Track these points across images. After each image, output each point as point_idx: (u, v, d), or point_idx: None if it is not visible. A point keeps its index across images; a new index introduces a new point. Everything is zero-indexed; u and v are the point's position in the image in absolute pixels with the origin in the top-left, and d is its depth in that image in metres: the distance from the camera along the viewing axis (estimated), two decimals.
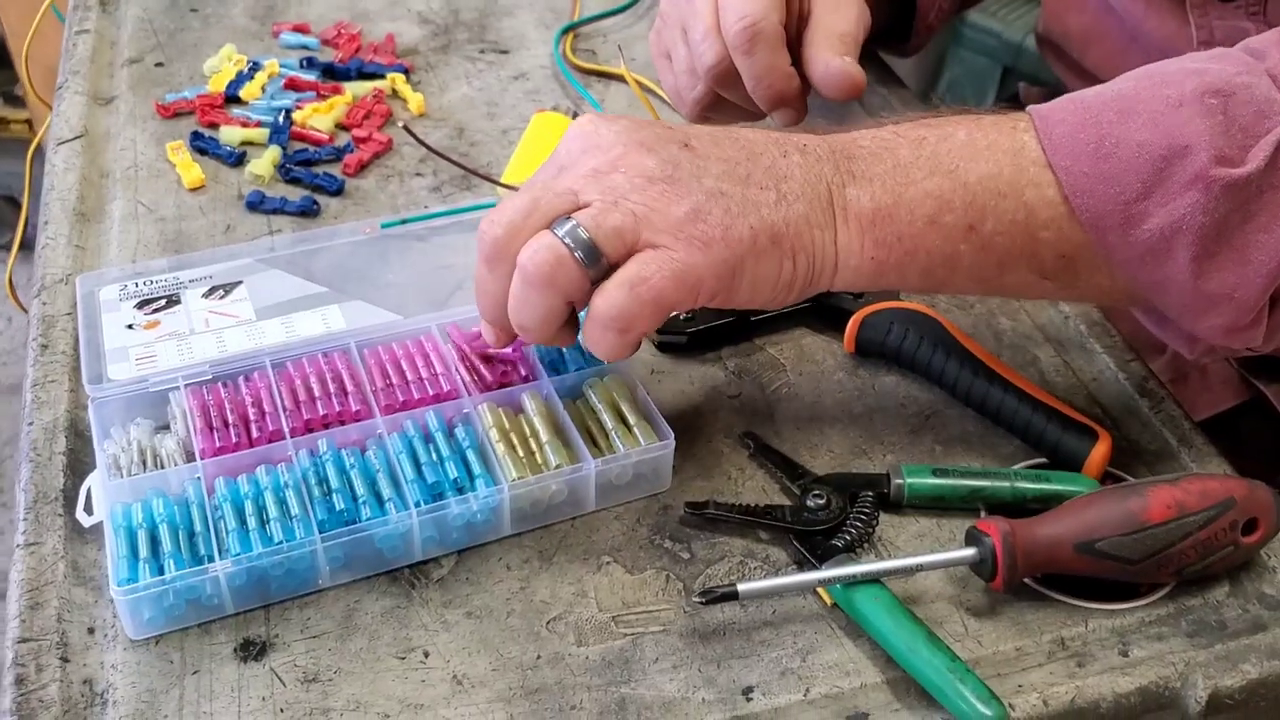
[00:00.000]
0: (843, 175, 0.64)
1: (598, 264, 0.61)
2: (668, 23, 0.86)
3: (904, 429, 0.76)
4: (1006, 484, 0.69)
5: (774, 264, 0.63)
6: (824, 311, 0.81)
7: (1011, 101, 1.29)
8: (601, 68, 1.07)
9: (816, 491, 0.70)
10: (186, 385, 0.73)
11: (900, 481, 0.70)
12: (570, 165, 0.65)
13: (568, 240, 0.61)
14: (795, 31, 0.82)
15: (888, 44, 1.04)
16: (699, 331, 0.80)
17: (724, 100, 0.85)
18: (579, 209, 0.62)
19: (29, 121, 2.46)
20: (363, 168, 0.96)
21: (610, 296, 0.61)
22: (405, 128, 0.89)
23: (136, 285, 0.83)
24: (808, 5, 0.82)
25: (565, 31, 1.12)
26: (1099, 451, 0.70)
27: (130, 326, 0.80)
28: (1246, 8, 0.79)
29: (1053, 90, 1.19)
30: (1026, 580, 0.66)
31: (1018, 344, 0.82)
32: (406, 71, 1.07)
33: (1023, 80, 2.30)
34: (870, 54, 1.09)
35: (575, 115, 0.99)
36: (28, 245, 1.60)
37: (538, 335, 0.64)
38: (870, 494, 0.70)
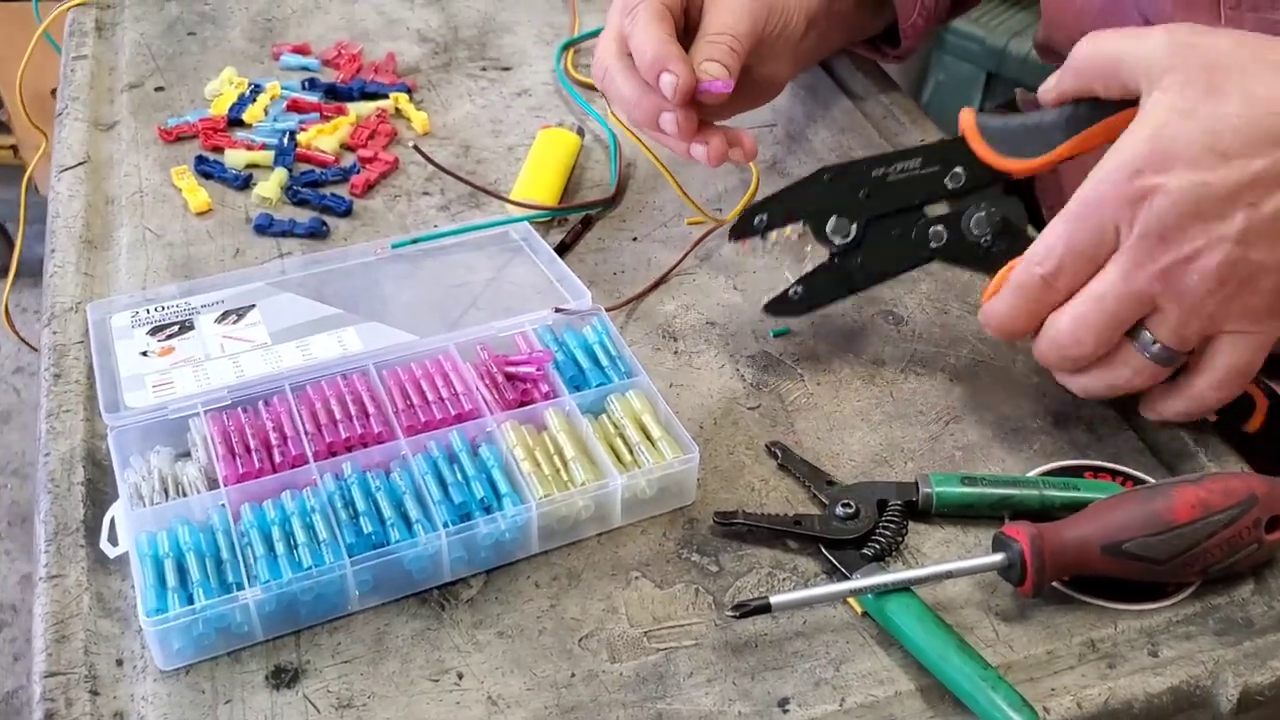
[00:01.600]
0: None
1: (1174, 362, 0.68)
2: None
3: (923, 435, 0.76)
4: (1035, 492, 0.69)
5: None
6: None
7: (1006, 107, 1.30)
8: None
9: (845, 501, 0.70)
10: (206, 411, 0.73)
11: (929, 490, 0.70)
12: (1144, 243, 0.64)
13: (1150, 356, 0.68)
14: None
15: (880, 51, 1.04)
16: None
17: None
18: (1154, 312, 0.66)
19: (14, 148, 2.46)
20: (370, 188, 0.96)
21: (1218, 392, 0.69)
22: (415, 147, 0.89)
23: (148, 312, 0.83)
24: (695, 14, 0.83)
25: (566, 47, 1.12)
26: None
27: (145, 353, 0.79)
28: None
29: None
30: (1055, 584, 0.66)
31: (1028, 347, 0.82)
32: (409, 91, 1.07)
33: (1007, 87, 2.33)
34: (870, 64, 1.10)
35: (581, 131, 0.99)
36: (23, 272, 1.60)
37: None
38: (899, 503, 0.70)
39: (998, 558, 0.64)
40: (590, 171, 0.98)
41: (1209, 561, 0.64)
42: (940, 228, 0.75)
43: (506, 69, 1.11)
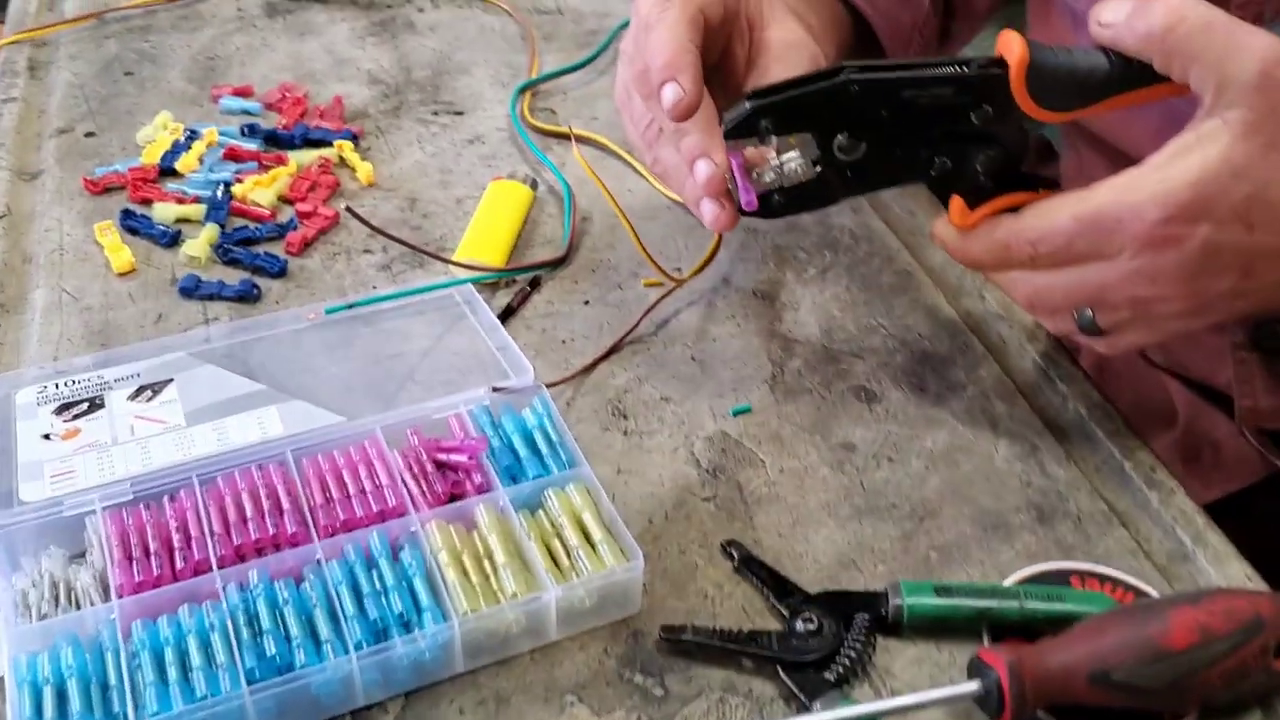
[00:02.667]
0: None
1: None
2: (627, 41, 0.77)
3: (896, 533, 0.69)
4: (1015, 604, 0.63)
5: None
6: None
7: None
8: (560, 129, 1.01)
9: (806, 615, 0.63)
10: (105, 509, 0.66)
11: (899, 602, 0.63)
12: (1127, 264, 0.62)
13: (1080, 323, 0.66)
14: (742, 75, 0.75)
15: None
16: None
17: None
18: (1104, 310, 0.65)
19: None
20: (307, 245, 0.90)
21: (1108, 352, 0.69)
22: (348, 209, 0.82)
23: (57, 387, 0.76)
24: (756, 52, 0.75)
25: (523, 90, 1.06)
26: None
27: (47, 436, 0.73)
28: None
29: (1037, 139, 1.13)
30: (1037, 713, 0.59)
31: (1015, 432, 0.75)
32: (355, 138, 1.00)
33: None
34: None
35: (534, 183, 0.93)
36: None
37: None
38: (866, 616, 0.63)
39: (973, 686, 0.58)
40: (542, 226, 0.92)
41: (1209, 692, 0.57)
42: (945, 159, 0.66)
43: (459, 113, 1.04)
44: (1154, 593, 0.65)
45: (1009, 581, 0.66)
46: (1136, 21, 0.60)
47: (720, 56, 0.74)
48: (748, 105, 0.65)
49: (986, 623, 0.63)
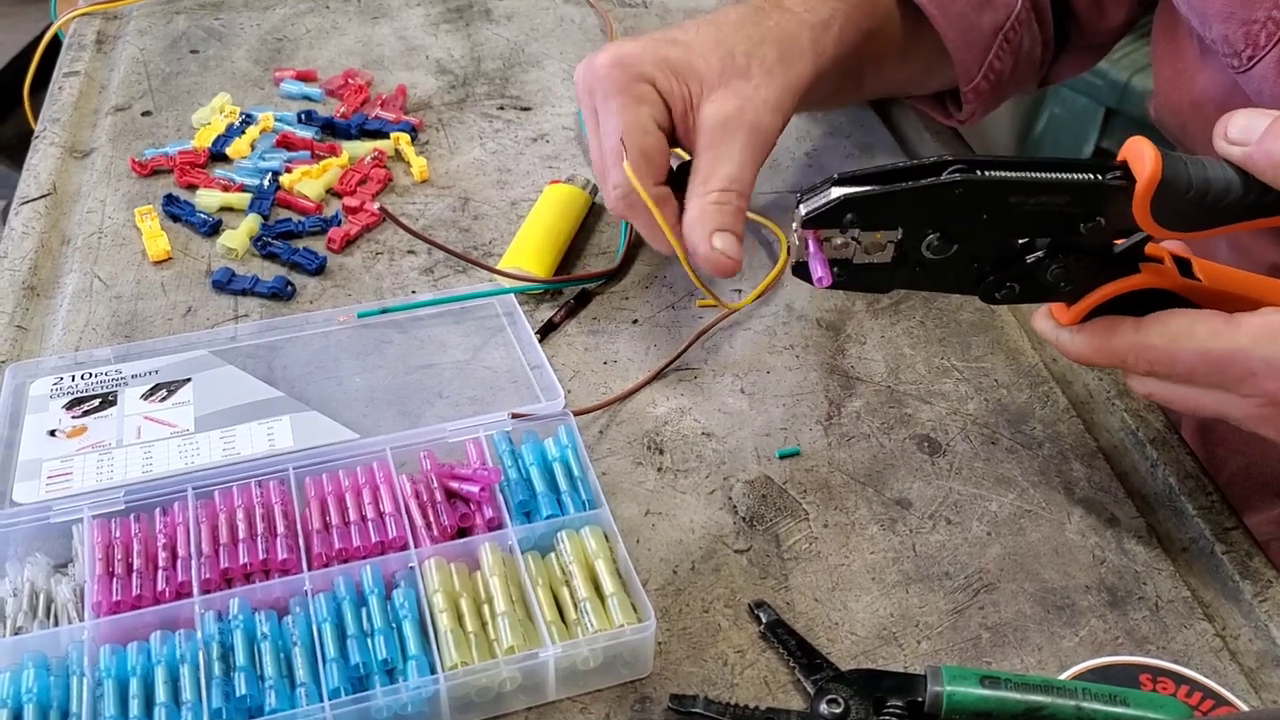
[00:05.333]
0: None
1: None
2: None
3: (946, 606, 0.62)
4: (1071, 703, 0.55)
5: None
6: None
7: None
8: None
9: (833, 696, 0.56)
10: (94, 517, 0.62)
11: (939, 690, 0.56)
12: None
13: None
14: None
15: (946, 111, 0.90)
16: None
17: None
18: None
19: None
20: (349, 242, 0.85)
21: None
22: (382, 209, 0.78)
23: (74, 379, 0.73)
24: (695, 135, 0.71)
25: None
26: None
27: (53, 433, 0.69)
28: None
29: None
30: None
31: (1092, 499, 0.67)
32: (414, 130, 0.95)
33: (1127, 125, 2.14)
34: (944, 127, 0.95)
35: (594, 189, 0.87)
36: None
37: None
38: (899, 703, 0.56)
39: None
40: (598, 235, 0.86)
41: None
42: (1015, 281, 0.59)
43: (526, 109, 0.99)
44: (1238, 703, 0.57)
45: (1068, 674, 0.58)
46: (1272, 144, 0.53)
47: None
48: (834, 195, 0.55)
49: None
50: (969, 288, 0.60)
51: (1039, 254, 0.58)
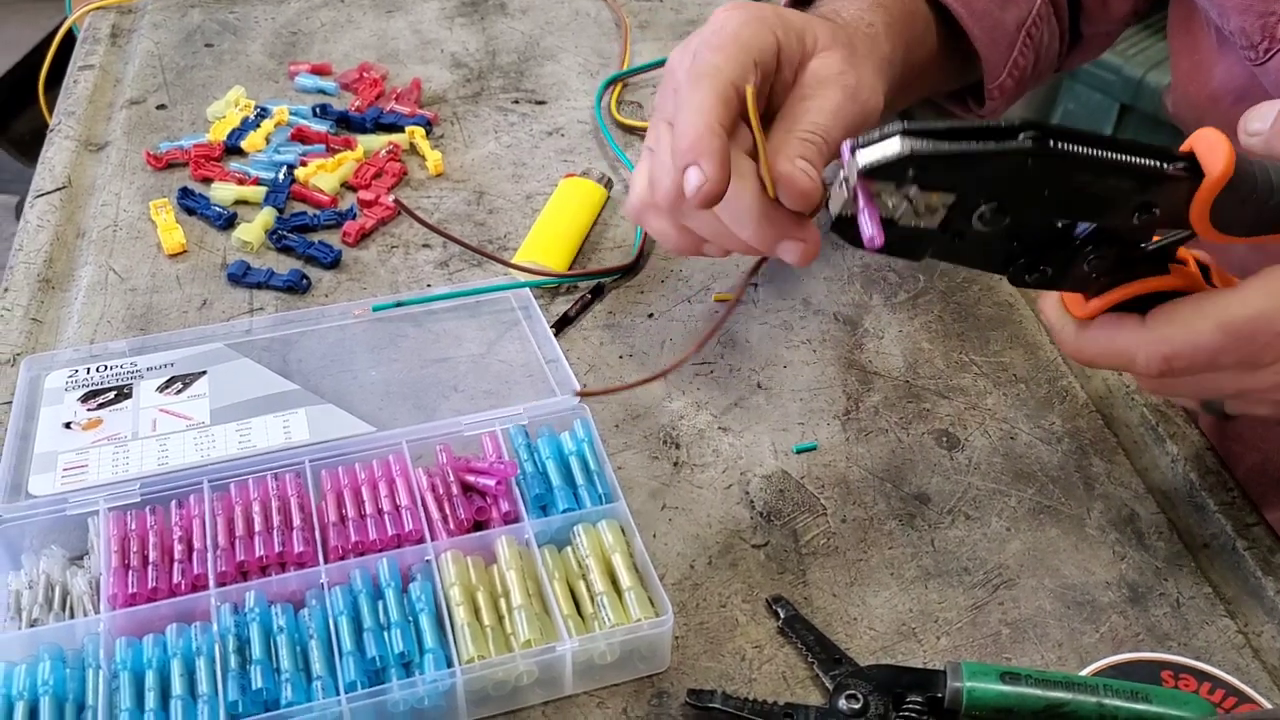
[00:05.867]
0: None
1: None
2: (656, 111, 0.69)
3: (965, 602, 0.62)
4: (1092, 699, 0.54)
5: None
6: None
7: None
8: (645, 125, 0.94)
9: (852, 692, 0.56)
10: (110, 510, 0.62)
11: (959, 685, 0.55)
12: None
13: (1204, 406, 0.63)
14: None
15: (965, 105, 0.89)
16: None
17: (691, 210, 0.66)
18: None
19: None
20: (364, 236, 0.85)
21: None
22: (397, 201, 0.77)
23: (89, 372, 0.73)
24: (780, 96, 0.66)
25: (611, 82, 1.00)
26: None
27: (68, 425, 0.69)
28: None
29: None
30: None
31: (1112, 495, 0.67)
32: (429, 124, 0.95)
33: (1141, 121, 2.13)
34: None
35: (609, 183, 0.87)
36: None
37: None
38: (919, 699, 0.56)
39: None
40: (614, 230, 0.85)
41: None
42: (1049, 264, 0.56)
43: (541, 103, 0.99)
44: (1261, 700, 0.56)
45: (1089, 670, 0.58)
46: None
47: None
48: (899, 147, 0.51)
49: (1058, 719, 0.55)
50: (1000, 267, 0.57)
51: (1080, 239, 0.55)
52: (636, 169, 0.68)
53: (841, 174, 0.53)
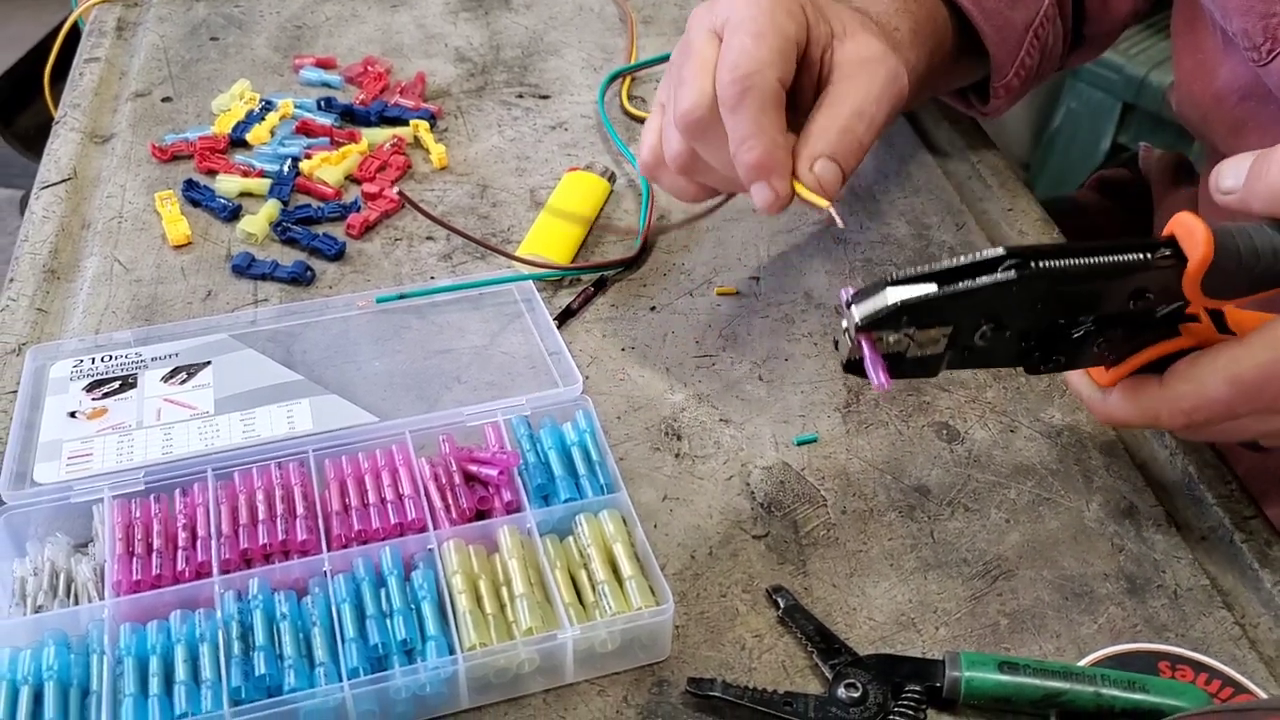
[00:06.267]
0: None
1: None
2: (671, 67, 0.71)
3: (964, 593, 0.62)
4: (1090, 689, 0.55)
5: None
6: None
7: (1128, 164, 1.14)
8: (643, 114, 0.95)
9: (851, 680, 0.56)
10: (114, 497, 0.63)
11: (958, 675, 0.56)
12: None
13: None
14: (811, 98, 0.68)
15: (968, 102, 0.90)
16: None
17: (703, 165, 0.69)
18: None
19: None
20: (368, 228, 0.85)
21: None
22: (401, 194, 0.78)
23: (94, 362, 0.73)
24: (827, 72, 0.67)
25: (614, 77, 1.00)
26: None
27: (73, 414, 0.69)
28: None
29: (1177, 156, 1.03)
30: None
31: (1111, 488, 0.67)
32: (433, 118, 0.96)
33: (1144, 120, 2.13)
34: (962, 115, 0.95)
35: (612, 176, 0.87)
36: None
37: None
38: (917, 688, 0.56)
39: None
40: (618, 222, 0.86)
41: None
42: (1060, 354, 0.58)
43: (544, 97, 0.99)
44: (1258, 691, 0.57)
45: (1086, 661, 0.58)
46: (1255, 183, 0.54)
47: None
48: (890, 300, 0.54)
49: (1055, 708, 0.55)
50: (1015, 363, 0.59)
51: (1084, 329, 0.57)
52: (647, 123, 0.72)
53: (844, 324, 0.56)
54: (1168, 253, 0.54)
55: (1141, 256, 0.54)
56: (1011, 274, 0.53)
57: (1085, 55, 0.94)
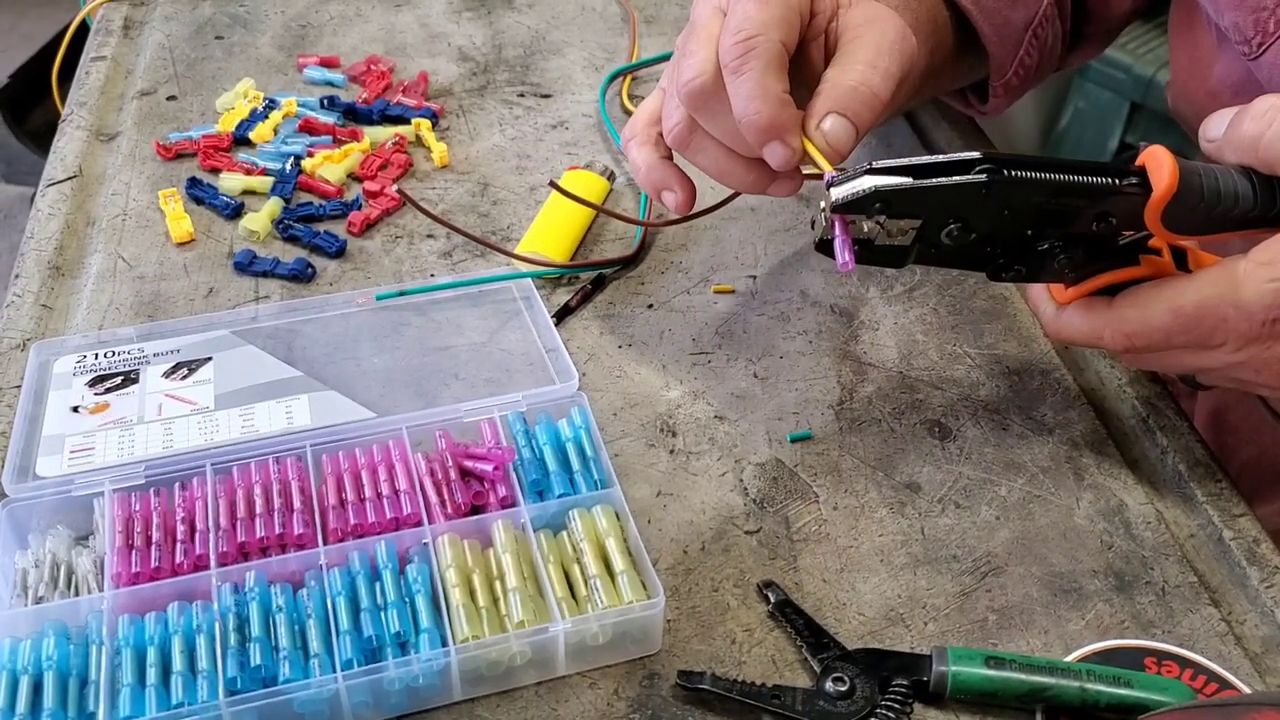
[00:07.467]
0: None
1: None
2: (676, 49, 0.71)
3: (953, 589, 0.62)
4: (1075, 684, 0.55)
5: None
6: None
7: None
8: None
9: (839, 674, 0.57)
10: (115, 491, 0.64)
11: (944, 669, 0.57)
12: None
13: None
14: (819, 65, 0.68)
15: (966, 101, 0.90)
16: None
17: (699, 140, 0.69)
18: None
19: None
20: (369, 226, 0.86)
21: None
22: (400, 192, 0.78)
23: (96, 357, 0.74)
24: (834, 40, 0.68)
25: (615, 76, 1.01)
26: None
27: (76, 409, 0.70)
28: None
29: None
30: None
31: (1101, 485, 0.68)
32: (435, 116, 0.96)
33: (1152, 119, 2.13)
34: (961, 116, 0.96)
35: (611, 175, 0.88)
36: None
37: None
38: (905, 682, 0.57)
39: None
40: (615, 222, 0.86)
41: None
42: (1022, 264, 0.62)
43: (546, 96, 1.00)
44: (1242, 686, 0.57)
45: (1074, 656, 0.59)
46: (1231, 133, 0.58)
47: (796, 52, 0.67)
48: (866, 184, 0.57)
49: (1041, 703, 0.56)
50: (977, 267, 0.62)
51: (1049, 244, 0.60)
52: (644, 102, 0.74)
53: (822, 204, 0.59)
54: (1135, 181, 0.57)
55: (1110, 181, 0.57)
56: (983, 177, 0.56)
57: (1085, 54, 0.94)
